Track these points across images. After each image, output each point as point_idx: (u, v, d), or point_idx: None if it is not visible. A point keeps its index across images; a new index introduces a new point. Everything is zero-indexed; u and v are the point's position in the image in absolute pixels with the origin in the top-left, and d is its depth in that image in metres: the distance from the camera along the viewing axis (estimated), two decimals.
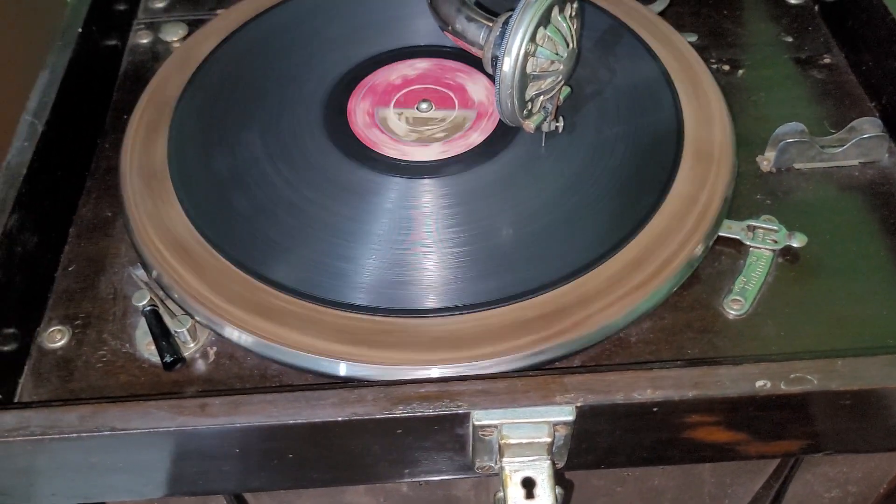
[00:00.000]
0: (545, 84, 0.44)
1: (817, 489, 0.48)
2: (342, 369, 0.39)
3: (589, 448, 0.37)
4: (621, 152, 0.48)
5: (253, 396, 0.34)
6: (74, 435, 0.34)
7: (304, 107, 0.51)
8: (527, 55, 0.41)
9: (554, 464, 0.34)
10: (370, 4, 0.58)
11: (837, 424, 0.37)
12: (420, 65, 0.54)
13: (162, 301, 0.43)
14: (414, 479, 0.38)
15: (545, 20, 0.42)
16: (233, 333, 0.41)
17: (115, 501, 0.42)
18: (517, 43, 0.41)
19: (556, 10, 0.42)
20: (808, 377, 0.35)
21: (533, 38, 0.41)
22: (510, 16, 0.42)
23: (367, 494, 0.46)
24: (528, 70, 0.42)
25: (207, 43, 0.56)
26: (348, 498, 0.47)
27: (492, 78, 0.45)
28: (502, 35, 0.41)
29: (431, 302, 0.42)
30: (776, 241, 0.45)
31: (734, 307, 0.43)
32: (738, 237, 0.45)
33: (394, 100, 0.51)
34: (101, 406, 0.34)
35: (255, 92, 0.52)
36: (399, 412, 0.34)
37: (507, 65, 0.41)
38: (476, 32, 0.44)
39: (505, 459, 0.34)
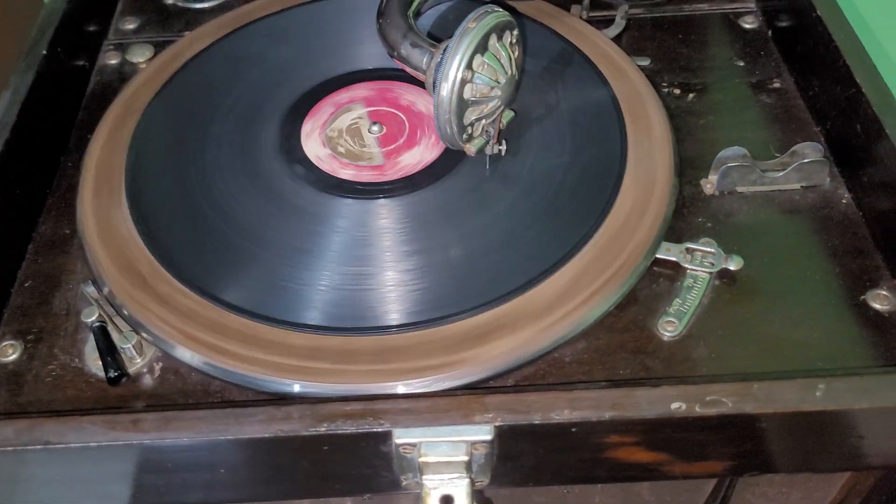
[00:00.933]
0: (486, 109, 0.45)
1: None
2: (280, 386, 0.40)
3: (514, 467, 0.37)
4: (564, 175, 0.49)
5: (185, 412, 0.36)
6: (10, 448, 0.35)
7: (259, 132, 0.53)
8: (464, 81, 0.43)
9: (473, 482, 0.35)
10: (324, 27, 0.59)
11: (758, 446, 0.38)
12: (359, 91, 0.55)
13: (111, 318, 0.44)
14: (348, 496, 0.39)
15: (482, 47, 0.43)
16: (176, 350, 0.42)
17: None
18: (453, 70, 0.42)
19: (493, 37, 0.44)
20: (724, 400, 0.36)
21: (470, 65, 0.43)
22: (449, 43, 0.43)
23: None
24: (466, 96, 0.43)
25: (171, 65, 0.57)
26: None
27: None
28: (441, 62, 0.43)
29: (370, 320, 0.43)
30: (713, 264, 0.46)
31: (668, 329, 0.44)
32: (675, 259, 0.46)
33: (344, 128, 0.52)
34: (36, 420, 0.35)
35: (212, 117, 0.54)
36: (324, 429, 0.35)
37: (445, 90, 0.43)
38: (419, 58, 0.46)
39: (425, 477, 0.35)
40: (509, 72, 0.46)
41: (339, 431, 0.35)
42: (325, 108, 0.54)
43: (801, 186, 0.51)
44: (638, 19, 0.62)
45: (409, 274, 0.45)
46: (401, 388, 0.39)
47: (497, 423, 0.35)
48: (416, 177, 0.50)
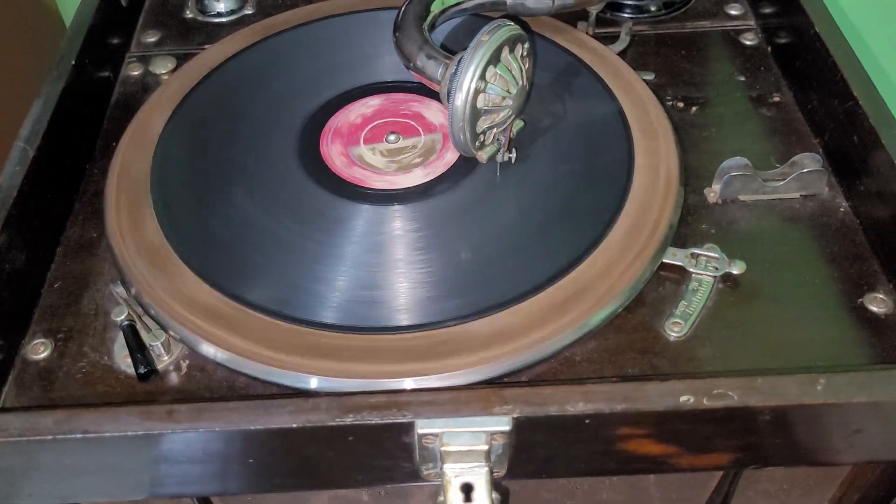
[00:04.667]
0: (497, 118, 0.47)
1: None
2: (303, 382, 0.42)
3: (529, 458, 0.39)
4: (573, 182, 0.51)
5: (216, 404, 0.37)
6: (50, 437, 0.37)
7: (280, 139, 0.55)
8: (477, 91, 0.45)
9: (492, 471, 0.37)
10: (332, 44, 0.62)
11: (762, 439, 0.40)
12: (373, 102, 0.57)
13: (139, 317, 0.46)
14: (368, 487, 0.41)
15: (495, 59, 0.45)
16: (203, 347, 0.44)
17: (89, 502, 0.45)
18: (467, 80, 0.44)
19: (506, 50, 0.46)
20: (729, 393, 0.37)
21: (483, 76, 0.45)
22: (464, 55, 0.45)
23: (329, 502, 0.49)
24: (479, 105, 0.46)
25: (192, 77, 0.59)
26: None
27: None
28: (455, 72, 0.45)
29: (390, 320, 0.45)
30: (717, 268, 0.48)
31: (674, 329, 0.46)
32: (681, 263, 0.48)
33: (362, 137, 0.54)
34: (75, 411, 0.37)
35: (233, 126, 0.56)
36: (350, 420, 0.37)
37: (459, 99, 0.45)
38: (434, 69, 0.48)
39: (446, 466, 0.36)
40: (520, 82, 0.48)
41: (365, 422, 0.37)
42: (337, 127, 0.56)
43: (801, 195, 0.53)
44: (642, 36, 0.65)
45: (426, 277, 0.46)
46: (418, 385, 0.41)
47: (515, 415, 0.37)
48: (430, 184, 0.52)
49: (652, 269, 0.48)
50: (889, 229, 0.48)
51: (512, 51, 0.47)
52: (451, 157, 0.53)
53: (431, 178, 0.52)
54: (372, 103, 0.57)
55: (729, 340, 0.45)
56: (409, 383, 0.41)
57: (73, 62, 0.57)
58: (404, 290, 0.46)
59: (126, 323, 0.45)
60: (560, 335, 0.44)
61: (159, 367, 0.45)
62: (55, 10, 0.88)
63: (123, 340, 0.45)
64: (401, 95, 0.58)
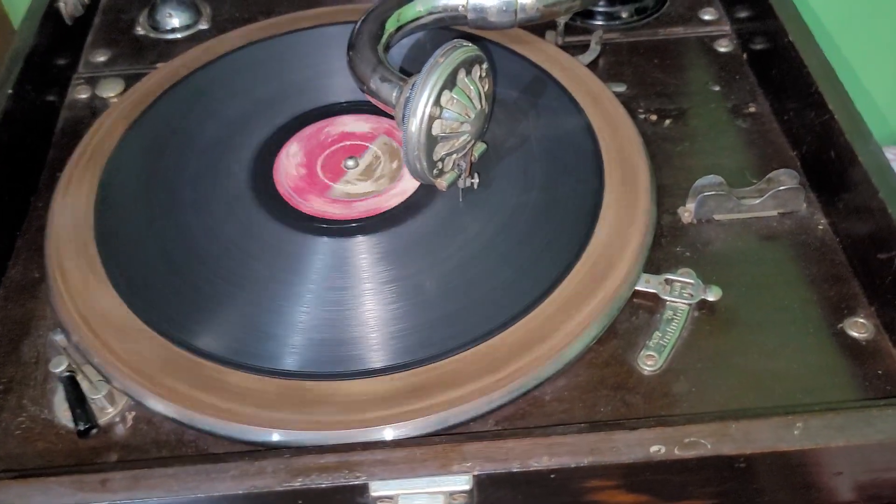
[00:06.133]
0: (456, 143, 0.45)
1: None
2: (254, 435, 0.40)
3: None
4: (540, 206, 0.49)
5: (154, 470, 0.35)
6: None
7: (232, 168, 0.52)
8: (432, 118, 0.42)
9: None
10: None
11: (738, 485, 0.37)
12: (293, 150, 0.53)
13: (80, 367, 0.43)
14: None
15: (451, 83, 0.43)
16: (148, 400, 0.41)
17: None
18: (421, 106, 0.42)
19: (462, 72, 0.43)
20: (702, 441, 0.35)
21: (438, 102, 0.42)
22: (417, 79, 0.43)
23: None
24: (435, 132, 0.43)
25: (142, 101, 0.56)
26: None
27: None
28: (409, 98, 0.42)
29: (346, 364, 0.42)
30: (692, 295, 0.46)
31: (648, 363, 0.43)
32: (655, 291, 0.46)
33: (326, 180, 0.51)
34: (2, 483, 0.35)
35: (184, 154, 0.53)
36: (298, 484, 0.34)
37: (413, 126, 0.42)
38: (389, 92, 0.45)
39: None
40: (479, 106, 0.45)
41: (315, 486, 0.34)
42: (286, 174, 0.52)
43: (778, 213, 0.51)
44: (613, 44, 0.62)
45: (386, 315, 0.44)
46: (379, 435, 0.39)
47: (475, 472, 0.34)
48: (391, 213, 0.49)
49: (625, 297, 0.45)
50: (869, 249, 0.46)
51: (469, 73, 0.44)
52: (411, 186, 0.50)
53: (389, 207, 0.49)
54: (293, 151, 0.53)
55: (705, 373, 0.43)
56: (368, 434, 0.39)
57: (11, 90, 0.53)
58: (362, 330, 0.44)
59: (66, 374, 0.43)
60: (527, 375, 0.41)
61: (102, 420, 0.42)
62: (4, 15, 0.84)
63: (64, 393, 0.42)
64: (310, 129, 0.54)
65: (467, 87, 0.44)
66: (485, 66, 0.45)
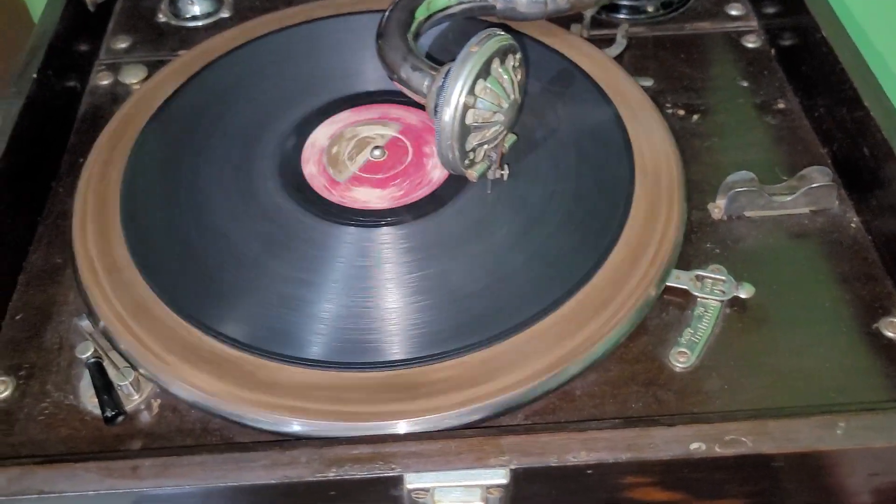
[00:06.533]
0: (488, 134, 0.44)
1: None
2: (283, 425, 0.39)
3: None
4: (570, 200, 0.48)
5: (182, 458, 0.34)
6: (3, 498, 0.34)
7: (258, 154, 0.51)
8: (466, 107, 0.42)
9: None
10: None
11: (775, 484, 0.37)
12: (328, 127, 0.53)
13: (106, 353, 0.43)
14: None
15: (485, 72, 0.42)
16: (175, 387, 0.41)
17: None
18: (455, 95, 0.41)
19: (496, 62, 0.43)
20: (743, 439, 0.35)
21: (472, 91, 0.42)
22: (451, 67, 0.42)
23: None
24: (469, 121, 0.42)
25: (165, 86, 0.56)
26: None
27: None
28: (442, 86, 0.42)
29: (373, 355, 0.41)
30: (724, 292, 0.45)
31: (680, 360, 0.43)
32: (686, 287, 0.45)
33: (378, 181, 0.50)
34: (28, 468, 0.34)
35: (209, 140, 0.52)
36: (332, 474, 0.34)
37: (447, 116, 0.41)
38: (420, 81, 0.44)
39: None
40: (512, 96, 0.45)
41: (349, 476, 0.34)
42: (325, 129, 0.53)
43: (810, 210, 0.50)
44: (639, 38, 0.62)
45: (414, 307, 0.43)
46: (408, 427, 0.38)
47: (512, 466, 0.34)
48: (419, 204, 0.48)
49: (656, 293, 0.45)
50: None
51: (503, 62, 0.43)
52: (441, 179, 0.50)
53: (418, 199, 0.49)
54: (321, 138, 0.52)
55: (737, 371, 0.42)
56: (400, 426, 0.38)
57: (35, 75, 0.53)
58: (390, 322, 0.43)
59: (92, 360, 0.42)
60: (559, 369, 0.41)
61: (128, 406, 0.41)
62: (24, 8, 0.83)
63: (90, 379, 0.42)
64: (339, 117, 0.53)
65: (501, 77, 0.43)
66: (518, 55, 0.44)
